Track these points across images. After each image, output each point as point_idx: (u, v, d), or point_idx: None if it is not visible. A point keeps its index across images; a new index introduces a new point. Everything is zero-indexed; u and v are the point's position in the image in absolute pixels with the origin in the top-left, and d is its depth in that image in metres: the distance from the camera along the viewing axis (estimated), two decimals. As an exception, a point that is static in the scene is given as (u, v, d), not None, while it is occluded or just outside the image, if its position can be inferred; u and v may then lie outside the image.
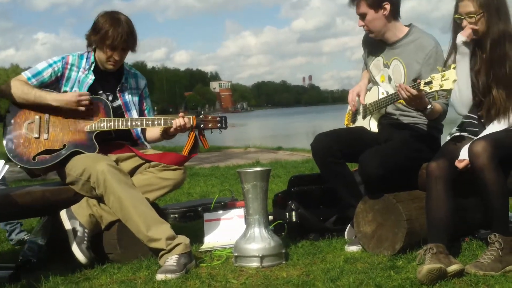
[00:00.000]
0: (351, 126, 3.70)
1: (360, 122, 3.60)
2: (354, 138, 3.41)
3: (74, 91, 3.27)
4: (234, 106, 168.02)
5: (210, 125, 3.30)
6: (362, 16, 3.34)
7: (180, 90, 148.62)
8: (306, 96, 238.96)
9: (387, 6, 3.30)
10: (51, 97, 3.22)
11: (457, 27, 2.98)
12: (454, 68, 2.81)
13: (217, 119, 3.31)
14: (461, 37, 2.89)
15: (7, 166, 2.71)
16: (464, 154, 2.82)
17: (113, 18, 3.26)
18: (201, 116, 3.30)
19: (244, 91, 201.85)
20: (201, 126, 3.29)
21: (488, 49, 2.91)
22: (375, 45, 3.51)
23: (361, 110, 3.60)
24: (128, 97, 3.44)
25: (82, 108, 3.22)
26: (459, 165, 2.81)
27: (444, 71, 2.81)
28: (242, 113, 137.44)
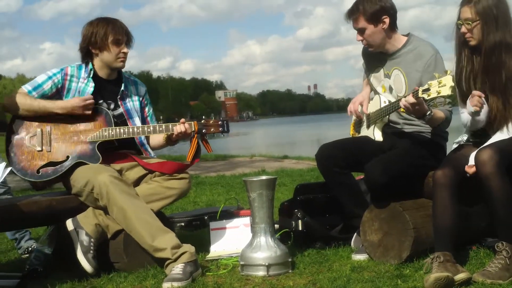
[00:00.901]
0: (356, 135, 3.70)
1: (364, 131, 3.60)
2: (359, 147, 3.41)
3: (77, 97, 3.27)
4: (240, 115, 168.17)
5: (212, 129, 3.29)
6: (361, 31, 3.33)
7: (186, 99, 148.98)
8: (311, 104, 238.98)
9: (386, 20, 3.29)
10: (56, 106, 3.23)
11: (458, 32, 2.99)
12: (450, 74, 2.81)
13: (219, 122, 3.30)
14: (470, 108, 2.85)
15: (8, 169, 2.72)
16: (473, 160, 2.82)
17: (103, 19, 3.31)
18: (202, 121, 3.30)
19: (249, 99, 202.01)
20: (203, 131, 3.29)
21: (483, 57, 2.92)
22: (375, 56, 3.49)
23: (364, 119, 3.60)
24: (129, 104, 3.45)
25: (89, 112, 3.22)
26: (470, 170, 2.80)
27: (440, 77, 2.81)
28: (247, 121, 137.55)
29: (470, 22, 2.88)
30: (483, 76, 2.94)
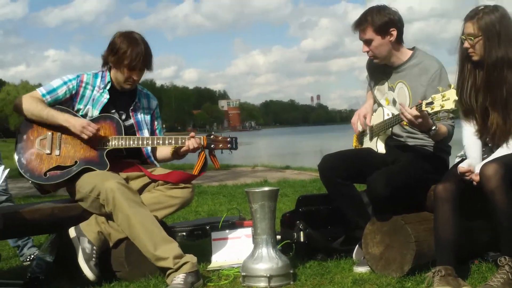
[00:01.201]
0: (359, 147, 3.71)
1: (367, 143, 3.60)
2: (361, 159, 3.41)
3: (85, 119, 3.28)
4: (242, 125, 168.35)
5: (220, 145, 3.32)
6: (368, 42, 3.33)
7: (189, 108, 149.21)
8: (314, 115, 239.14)
9: (394, 32, 3.30)
10: (62, 118, 3.24)
11: (461, 47, 2.99)
12: (454, 88, 2.82)
13: (228, 139, 3.33)
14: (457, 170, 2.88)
15: (6, 171, 2.73)
16: (464, 163, 2.84)
17: (130, 38, 3.29)
18: (211, 137, 3.32)
19: (252, 109, 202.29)
20: (212, 146, 3.31)
21: (485, 72, 2.93)
22: (380, 68, 3.50)
23: (367, 131, 3.61)
24: (140, 116, 3.48)
25: (85, 136, 3.22)
26: (476, 178, 2.79)
27: (444, 91, 2.82)
28: (250, 131, 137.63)
29: (473, 38, 2.89)
30: (484, 91, 2.95)
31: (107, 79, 3.38)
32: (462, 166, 2.84)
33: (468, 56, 2.96)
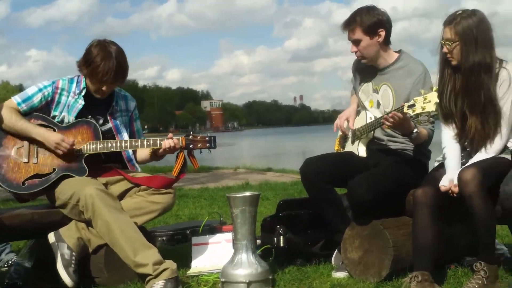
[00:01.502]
0: (341, 151, 3.73)
1: (349, 147, 3.63)
2: (343, 163, 3.43)
3: (60, 134, 3.23)
4: (225, 125, 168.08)
5: (199, 145, 3.30)
6: (356, 42, 3.36)
7: (171, 109, 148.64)
8: (297, 116, 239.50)
9: (382, 33, 3.34)
10: (36, 132, 3.22)
11: (441, 51, 3.02)
12: (435, 90, 2.85)
13: (206, 139, 3.31)
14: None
15: None
16: (445, 180, 2.87)
17: (105, 51, 3.22)
18: (190, 137, 3.30)
19: (235, 110, 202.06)
20: (190, 146, 3.29)
21: (463, 77, 2.96)
22: (365, 70, 3.53)
23: (350, 135, 3.64)
24: (118, 120, 3.46)
25: (59, 152, 3.19)
26: (455, 189, 2.82)
27: (426, 93, 2.85)
28: (232, 132, 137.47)
29: (450, 43, 2.92)
30: (463, 95, 2.99)
31: (83, 84, 3.35)
32: (444, 185, 2.86)
33: (447, 61, 2.99)
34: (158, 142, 3.28)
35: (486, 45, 2.90)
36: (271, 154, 27.96)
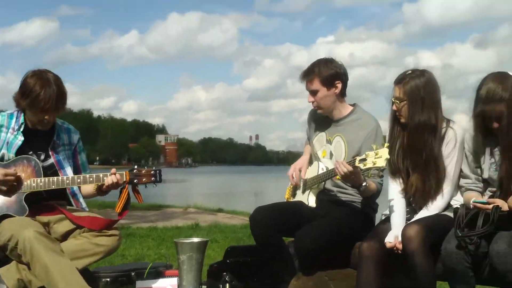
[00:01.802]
0: (291, 200, 3.76)
1: (299, 196, 3.66)
2: (292, 212, 3.46)
3: (1, 168, 3.14)
4: (179, 161, 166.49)
5: (144, 179, 3.22)
6: (314, 92, 3.43)
7: (125, 141, 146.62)
8: (252, 155, 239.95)
9: (339, 85, 3.42)
10: None
11: (392, 108, 3.10)
12: (387, 146, 2.92)
13: (151, 172, 3.23)
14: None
15: None
16: (390, 237, 2.92)
17: (42, 79, 3.16)
18: (134, 171, 3.23)
19: (190, 146, 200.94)
20: (135, 181, 3.22)
21: (408, 135, 3.05)
22: (320, 120, 3.60)
23: (301, 184, 3.67)
24: (61, 154, 3.37)
25: (4, 188, 3.10)
26: (400, 246, 2.87)
27: (378, 149, 2.92)
28: (186, 168, 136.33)
29: (399, 101, 3.01)
30: (408, 153, 3.08)
31: (21, 120, 3.27)
32: (389, 241, 2.92)
33: (397, 118, 3.08)
34: (101, 177, 3.21)
35: (432, 105, 3.00)
36: (224, 193, 27.84)
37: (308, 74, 3.44)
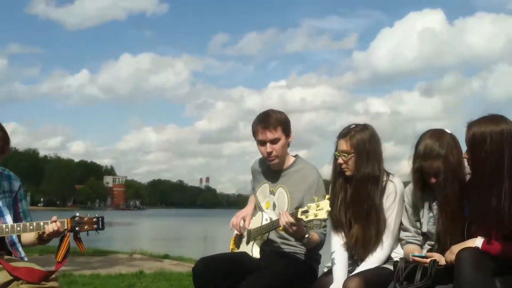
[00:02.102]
0: (236, 251, 3.74)
1: (243, 247, 3.64)
2: (236, 263, 3.43)
3: None
4: (126, 203, 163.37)
5: (86, 227, 3.16)
6: (274, 142, 3.39)
7: (71, 182, 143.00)
8: (202, 198, 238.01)
9: (292, 134, 3.47)
10: None
11: (335, 162, 3.17)
12: (328, 198, 2.94)
13: (94, 220, 3.17)
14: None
15: None
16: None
17: None
18: (76, 219, 3.16)
19: (138, 188, 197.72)
20: (76, 229, 3.15)
21: (353, 187, 3.11)
22: (265, 171, 3.61)
23: (245, 234, 3.66)
24: (1, 201, 3.27)
25: None
26: None
27: (319, 201, 2.93)
28: (134, 211, 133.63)
29: (346, 154, 3.08)
30: (350, 205, 3.13)
31: None
32: None
33: (341, 172, 3.14)
34: (42, 225, 3.12)
35: (375, 158, 3.10)
36: (171, 237, 27.38)
37: (269, 122, 3.39)
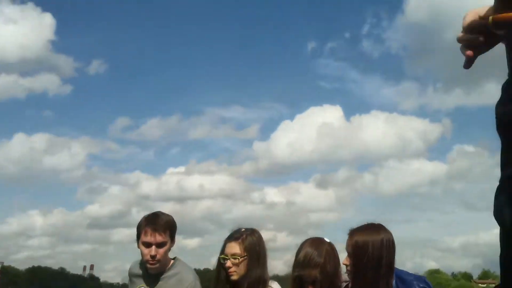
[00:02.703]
0: None
1: None
2: None
3: None
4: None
5: None
6: (161, 245, 3.18)
7: None
8: (84, 287, 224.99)
9: (175, 241, 3.29)
10: None
11: (219, 266, 3.10)
12: None
13: None
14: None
15: None
16: None
17: None
18: None
19: (15, 275, 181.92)
20: None
21: None
22: (142, 275, 3.43)
23: None
24: None
25: None
26: None
27: None
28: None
29: (238, 257, 3.01)
30: None
31: None
32: None
33: (226, 276, 3.05)
34: None
35: (264, 261, 3.08)
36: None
37: (158, 224, 3.19)
